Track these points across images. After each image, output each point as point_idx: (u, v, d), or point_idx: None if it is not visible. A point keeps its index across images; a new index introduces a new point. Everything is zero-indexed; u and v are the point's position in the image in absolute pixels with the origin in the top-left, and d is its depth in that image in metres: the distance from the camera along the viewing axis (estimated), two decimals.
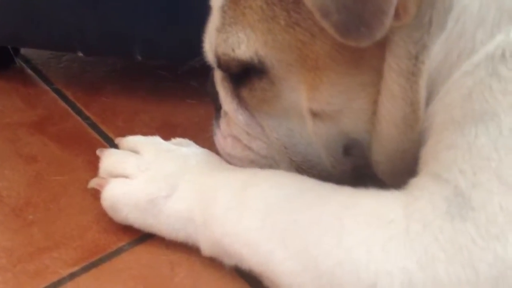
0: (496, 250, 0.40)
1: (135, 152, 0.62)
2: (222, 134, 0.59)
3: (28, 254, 0.59)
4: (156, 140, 0.63)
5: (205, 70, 0.60)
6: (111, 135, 0.74)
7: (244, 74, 0.53)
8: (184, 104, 0.77)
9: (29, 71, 0.85)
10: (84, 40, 0.76)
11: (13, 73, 0.84)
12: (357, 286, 0.44)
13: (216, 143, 0.60)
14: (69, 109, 0.78)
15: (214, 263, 0.55)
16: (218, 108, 0.60)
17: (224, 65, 0.53)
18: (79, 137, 0.74)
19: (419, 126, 0.48)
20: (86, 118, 0.76)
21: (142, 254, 0.59)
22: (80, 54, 0.77)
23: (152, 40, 0.74)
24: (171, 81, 0.81)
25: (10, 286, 0.56)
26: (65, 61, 0.86)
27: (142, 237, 0.60)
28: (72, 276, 0.57)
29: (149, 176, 0.58)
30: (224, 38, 0.51)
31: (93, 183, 0.61)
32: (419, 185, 0.45)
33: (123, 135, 0.66)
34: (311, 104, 0.50)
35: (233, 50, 0.51)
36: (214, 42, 0.53)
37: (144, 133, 0.66)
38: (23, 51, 0.87)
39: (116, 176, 0.60)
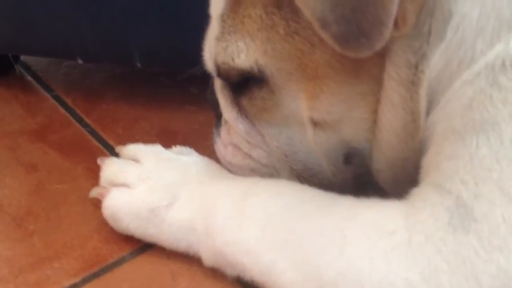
0: (499, 261, 0.40)
1: (136, 160, 0.61)
2: (222, 143, 0.59)
3: (29, 264, 0.59)
4: (157, 148, 0.63)
5: (205, 77, 0.59)
6: (111, 142, 0.74)
7: (244, 83, 0.53)
8: (183, 110, 0.77)
9: (29, 78, 0.85)
10: (83, 47, 0.76)
11: (13, 80, 0.84)
12: None
13: (216, 152, 0.60)
14: (69, 116, 0.78)
15: (215, 273, 0.55)
16: (218, 116, 0.60)
17: (224, 74, 0.53)
18: (80, 145, 0.73)
19: (420, 135, 0.48)
20: (86, 126, 0.76)
21: (143, 264, 0.59)
22: (80, 61, 0.77)
23: (152, 47, 0.74)
24: (170, 88, 0.81)
25: None
26: (65, 67, 0.86)
27: (143, 247, 0.60)
28: (73, 287, 0.57)
29: (150, 185, 0.58)
30: (223, 47, 0.51)
31: (94, 192, 0.61)
32: (421, 195, 0.45)
33: (123, 142, 0.66)
34: (311, 113, 0.50)
35: (232, 59, 0.50)
36: (213, 51, 0.53)
37: (144, 140, 0.65)
38: (23, 58, 0.87)
39: (117, 185, 0.60)
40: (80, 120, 0.77)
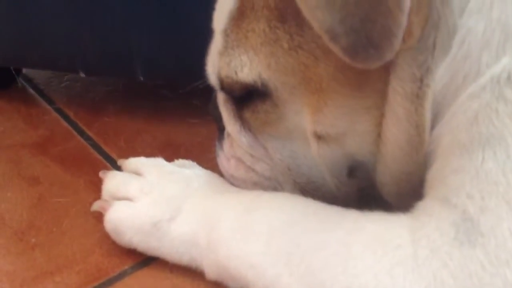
0: (506, 275, 0.40)
1: (138, 174, 0.61)
2: (225, 156, 0.59)
3: (31, 278, 0.59)
4: (159, 162, 0.62)
5: (207, 90, 0.59)
6: (113, 155, 0.73)
7: (247, 97, 0.53)
8: (186, 123, 0.77)
9: (30, 91, 0.85)
10: (85, 61, 0.76)
11: (14, 93, 0.84)
12: None
13: (219, 165, 0.60)
14: (71, 129, 0.78)
15: (218, 287, 0.55)
16: (221, 129, 0.60)
17: (227, 87, 0.53)
18: (81, 158, 0.73)
19: (424, 148, 0.48)
20: (88, 139, 0.76)
21: (145, 278, 0.58)
22: (82, 74, 0.77)
23: (154, 60, 0.74)
24: (173, 101, 0.81)
25: None
26: (67, 80, 0.86)
27: (145, 260, 0.59)
28: None
29: (153, 198, 0.58)
30: (227, 61, 0.51)
31: (96, 206, 0.61)
32: (426, 209, 0.45)
33: (126, 155, 0.65)
34: (315, 126, 0.50)
35: (236, 73, 0.50)
36: (216, 64, 0.53)
37: (147, 153, 0.65)
38: (25, 71, 0.87)
39: (119, 198, 0.60)
40: (82, 133, 0.77)
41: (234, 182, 0.59)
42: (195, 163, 0.64)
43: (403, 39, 0.42)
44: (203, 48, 0.55)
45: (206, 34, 0.55)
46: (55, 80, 0.86)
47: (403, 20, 0.40)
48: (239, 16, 0.50)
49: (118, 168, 0.65)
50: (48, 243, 0.62)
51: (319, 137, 0.51)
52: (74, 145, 0.75)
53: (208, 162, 0.64)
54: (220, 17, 0.52)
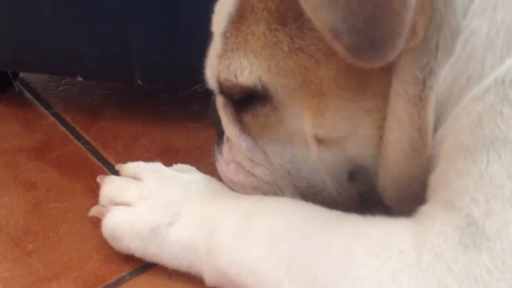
0: None
1: (137, 179, 0.61)
2: (224, 160, 0.58)
3: (28, 285, 0.58)
4: (158, 166, 0.62)
5: (206, 94, 0.59)
6: (111, 160, 0.73)
7: (247, 100, 0.52)
8: (185, 128, 0.77)
9: (28, 95, 0.84)
10: (83, 65, 0.75)
11: (11, 97, 0.84)
12: None
13: (218, 170, 0.60)
14: (69, 133, 0.77)
15: None
16: (220, 133, 0.59)
17: (227, 91, 0.52)
18: (79, 163, 0.73)
19: (427, 152, 0.47)
20: (85, 143, 0.76)
21: (144, 284, 0.58)
22: (80, 78, 0.76)
23: (152, 64, 0.73)
24: (171, 105, 0.80)
25: None
26: (64, 85, 0.85)
27: (143, 266, 0.59)
28: None
29: (151, 204, 0.57)
30: (226, 64, 0.50)
31: (93, 211, 0.60)
32: (430, 213, 0.44)
33: (123, 160, 0.65)
34: (315, 130, 0.50)
35: (235, 76, 0.50)
36: (216, 68, 0.52)
37: (145, 158, 0.65)
38: (22, 75, 0.87)
39: (117, 204, 0.59)
40: (79, 138, 0.77)
41: (233, 187, 0.59)
42: (194, 168, 0.63)
43: (407, 39, 0.41)
44: (202, 52, 0.55)
45: (204, 37, 0.54)
46: (53, 84, 0.85)
47: (408, 19, 0.40)
48: (238, 19, 0.50)
49: (116, 173, 0.65)
50: (45, 249, 0.61)
51: (319, 141, 0.50)
52: (72, 150, 0.75)
53: (207, 166, 0.63)
54: (219, 20, 0.52)
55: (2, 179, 0.70)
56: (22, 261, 0.60)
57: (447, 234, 0.42)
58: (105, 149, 0.74)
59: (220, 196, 0.58)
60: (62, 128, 0.78)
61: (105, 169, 0.72)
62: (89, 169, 0.71)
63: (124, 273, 0.59)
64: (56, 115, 0.80)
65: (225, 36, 0.51)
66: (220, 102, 0.57)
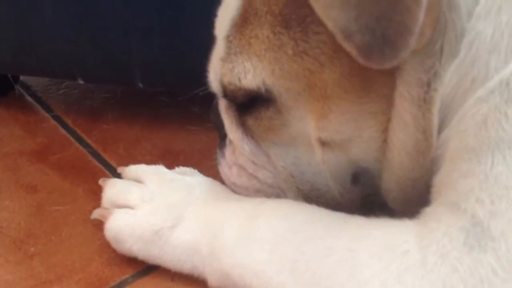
0: None
1: (139, 181, 0.61)
2: (227, 163, 0.58)
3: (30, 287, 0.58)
4: (160, 169, 0.62)
5: (207, 97, 0.59)
6: (112, 163, 0.73)
7: (250, 103, 0.52)
8: (185, 130, 0.77)
9: (28, 98, 0.84)
10: (84, 67, 0.75)
11: (12, 101, 0.83)
12: None
13: (221, 173, 0.60)
14: (70, 136, 0.77)
15: None
16: (222, 136, 0.59)
17: (230, 94, 0.52)
18: (80, 166, 0.73)
19: (432, 153, 0.47)
20: (86, 146, 0.76)
21: (146, 286, 0.58)
22: (81, 81, 0.76)
23: (153, 67, 0.74)
24: (172, 108, 0.80)
25: None
26: (65, 88, 0.85)
27: (146, 269, 0.58)
28: None
29: (154, 206, 0.57)
30: (230, 67, 0.51)
31: (96, 214, 0.60)
32: (434, 215, 0.45)
33: (125, 163, 0.65)
34: (320, 133, 0.50)
35: (239, 79, 0.50)
36: (219, 71, 0.52)
37: (146, 161, 0.65)
38: (22, 78, 0.86)
39: (120, 206, 0.59)
40: (80, 141, 0.76)
41: (236, 189, 0.59)
42: (196, 171, 0.63)
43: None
44: (203, 55, 0.55)
45: (205, 40, 0.55)
46: (53, 87, 0.85)
47: (421, 16, 0.40)
48: (242, 22, 0.50)
49: (118, 176, 0.65)
50: (47, 252, 0.61)
51: (323, 144, 0.50)
52: (73, 153, 0.75)
53: (209, 169, 0.63)
54: (223, 23, 0.52)
55: (3, 182, 0.70)
56: (24, 264, 0.60)
57: (452, 235, 0.42)
58: (106, 152, 0.74)
59: (223, 199, 0.58)
60: (63, 131, 0.78)
61: (106, 172, 0.72)
62: (91, 172, 0.71)
63: (126, 276, 0.59)
64: (57, 118, 0.80)
65: (229, 39, 0.51)
66: (222, 105, 0.57)
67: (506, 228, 0.40)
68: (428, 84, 0.45)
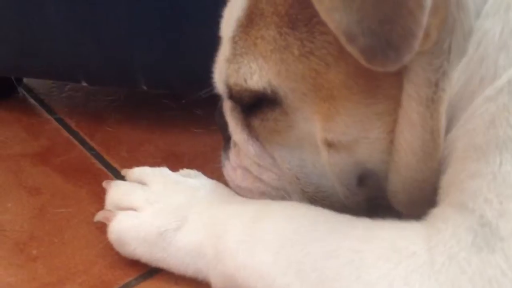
0: None
1: (143, 183, 0.61)
2: (231, 166, 0.58)
3: None
4: (164, 171, 0.62)
5: (210, 99, 0.59)
6: (115, 165, 0.73)
7: (256, 105, 0.52)
8: (189, 133, 0.77)
9: (31, 100, 0.84)
10: (88, 70, 0.75)
11: (15, 103, 0.84)
12: None
13: (225, 175, 0.59)
14: (73, 139, 0.77)
15: None
16: (227, 138, 0.59)
17: (236, 95, 0.52)
18: (83, 168, 0.73)
19: (439, 154, 0.47)
20: (90, 149, 0.76)
21: None
22: (84, 83, 0.76)
23: (157, 70, 0.73)
24: (175, 110, 0.80)
25: None
26: (68, 90, 0.85)
27: (150, 272, 0.58)
28: None
29: (158, 208, 0.57)
30: (235, 68, 0.50)
31: (99, 216, 0.60)
32: (442, 216, 0.44)
33: (128, 165, 0.65)
34: (326, 134, 0.49)
35: (245, 80, 0.50)
36: (224, 72, 0.52)
37: (150, 163, 0.65)
38: (25, 80, 0.86)
39: (123, 208, 0.59)
40: (83, 143, 0.76)
41: (240, 192, 0.59)
42: (200, 173, 0.63)
43: (421, 41, 0.41)
44: (206, 58, 0.55)
45: (209, 42, 0.54)
46: (56, 90, 0.85)
47: (424, 20, 0.40)
48: (247, 23, 0.50)
49: (121, 178, 0.64)
50: (49, 255, 0.61)
51: (329, 145, 0.50)
52: (76, 155, 0.74)
53: (212, 172, 0.63)
54: (228, 24, 0.52)
55: (6, 184, 0.70)
56: (26, 266, 0.60)
57: (460, 235, 0.42)
58: (110, 154, 0.74)
59: (227, 201, 0.57)
60: (66, 134, 0.78)
61: (109, 174, 0.72)
62: (94, 174, 0.71)
63: (130, 279, 0.58)
64: (60, 120, 0.80)
65: (234, 40, 0.51)
66: (227, 107, 0.56)
67: None
68: (436, 84, 0.45)
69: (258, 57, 0.49)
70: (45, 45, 0.74)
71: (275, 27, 0.48)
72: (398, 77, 0.45)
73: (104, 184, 0.62)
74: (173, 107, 0.81)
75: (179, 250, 0.55)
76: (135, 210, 0.58)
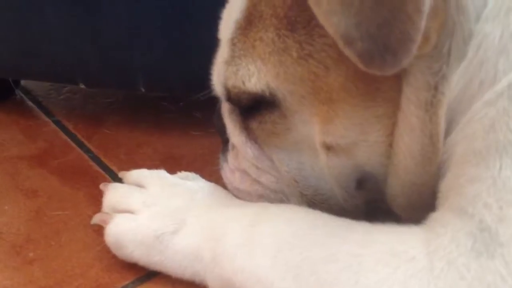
0: None
1: (140, 186, 0.60)
2: (229, 168, 0.58)
3: None
4: (162, 174, 0.61)
5: (209, 102, 0.59)
6: (113, 168, 0.72)
7: (254, 107, 0.52)
8: (187, 135, 0.76)
9: (29, 103, 0.84)
10: (86, 73, 0.75)
11: (13, 105, 0.83)
12: None
13: (223, 177, 0.59)
14: (70, 141, 0.77)
15: None
16: (225, 141, 0.59)
17: (235, 97, 0.52)
18: (81, 171, 0.72)
19: (438, 158, 0.47)
20: (87, 151, 0.75)
21: None
22: (82, 86, 0.76)
23: (155, 72, 0.73)
24: (174, 113, 0.80)
25: None
26: (66, 92, 0.85)
27: (147, 275, 0.58)
28: None
29: (155, 211, 0.57)
30: (234, 70, 0.50)
31: (96, 218, 0.60)
32: (441, 220, 0.44)
33: (126, 168, 0.65)
34: (324, 137, 0.49)
35: (243, 83, 0.50)
36: (222, 74, 0.52)
37: (148, 166, 0.64)
38: (23, 82, 0.86)
39: (121, 211, 0.58)
40: (81, 146, 0.76)
41: (238, 195, 0.58)
42: (198, 176, 0.62)
43: (419, 45, 0.41)
44: (205, 60, 0.55)
45: (208, 46, 0.54)
46: (54, 92, 0.85)
47: (422, 24, 0.40)
48: (246, 25, 0.49)
49: (118, 181, 0.64)
50: (46, 257, 0.61)
51: (328, 148, 0.50)
52: (73, 158, 0.74)
53: (211, 174, 0.63)
54: (227, 26, 0.52)
55: (3, 186, 0.70)
56: (23, 269, 0.59)
57: (459, 240, 0.41)
58: (107, 157, 0.74)
59: (225, 204, 0.57)
60: (64, 136, 0.78)
61: (107, 177, 0.71)
62: (91, 177, 0.71)
63: (127, 282, 0.58)
64: (57, 123, 0.80)
65: (233, 42, 0.50)
66: (226, 109, 0.56)
67: None
68: (436, 88, 0.45)
69: (257, 59, 0.49)
70: (43, 47, 0.74)
71: (273, 29, 0.48)
72: (398, 80, 0.45)
73: (101, 186, 0.62)
74: (172, 110, 0.81)
75: (176, 253, 0.55)
76: (132, 212, 0.58)
